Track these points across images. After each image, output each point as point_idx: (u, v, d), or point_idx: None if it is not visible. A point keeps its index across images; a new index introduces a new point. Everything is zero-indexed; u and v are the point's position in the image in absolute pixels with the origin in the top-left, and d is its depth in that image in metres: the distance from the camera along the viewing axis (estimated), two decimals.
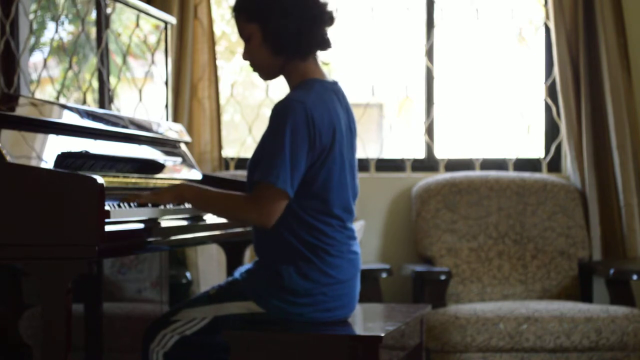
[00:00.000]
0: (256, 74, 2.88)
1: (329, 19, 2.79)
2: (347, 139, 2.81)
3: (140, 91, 3.68)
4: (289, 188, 2.65)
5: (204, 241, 3.24)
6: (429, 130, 4.92)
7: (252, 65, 2.84)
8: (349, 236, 2.83)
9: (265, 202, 2.66)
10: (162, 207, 2.86)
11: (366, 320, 2.95)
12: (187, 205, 3.01)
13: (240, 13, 2.80)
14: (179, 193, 2.81)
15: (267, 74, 2.85)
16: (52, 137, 2.75)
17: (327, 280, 2.75)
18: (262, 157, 2.70)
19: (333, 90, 2.81)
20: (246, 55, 2.83)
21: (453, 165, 4.91)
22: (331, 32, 2.82)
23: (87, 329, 3.39)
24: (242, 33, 2.81)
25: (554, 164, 4.92)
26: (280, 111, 2.69)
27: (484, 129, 4.97)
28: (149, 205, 2.80)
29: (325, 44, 2.80)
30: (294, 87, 2.80)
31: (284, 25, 2.73)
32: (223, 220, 3.15)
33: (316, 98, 2.72)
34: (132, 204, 2.73)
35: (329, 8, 2.79)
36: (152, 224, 2.68)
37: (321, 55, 2.85)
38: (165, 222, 2.80)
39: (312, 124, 2.67)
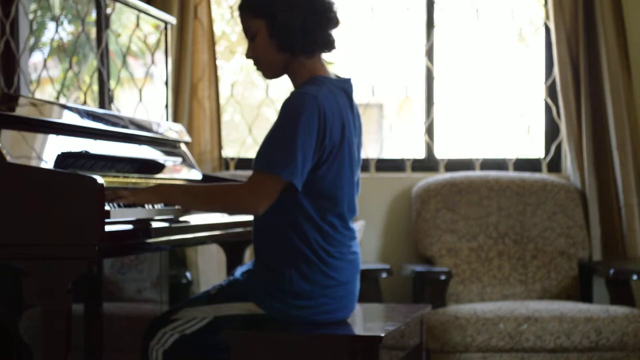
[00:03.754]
0: (257, 74, 2.86)
1: (334, 18, 2.78)
2: (355, 136, 2.81)
3: (140, 91, 3.68)
4: (292, 177, 2.62)
5: (204, 241, 3.23)
6: (429, 130, 4.92)
7: (256, 63, 2.81)
8: (350, 237, 2.82)
9: (259, 187, 2.64)
10: (161, 207, 2.85)
11: (366, 320, 2.95)
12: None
13: (246, 9, 2.79)
14: (158, 192, 2.75)
15: (272, 72, 2.83)
16: (52, 137, 2.75)
17: (329, 282, 2.75)
18: (271, 146, 2.68)
19: (342, 87, 2.80)
20: (250, 53, 2.81)
21: (453, 165, 4.91)
22: (334, 33, 2.81)
23: (87, 329, 3.39)
24: (248, 30, 2.80)
25: (554, 164, 4.92)
26: (294, 102, 2.67)
27: (484, 129, 4.97)
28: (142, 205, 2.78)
29: (330, 45, 2.79)
30: (301, 84, 2.77)
31: (290, 21, 2.72)
32: (223, 220, 3.15)
33: (327, 94, 2.71)
34: (118, 204, 2.71)
35: (335, 9, 2.78)
36: (152, 224, 2.68)
37: (325, 56, 2.84)
38: (166, 222, 2.79)
39: (324, 119, 2.66)
